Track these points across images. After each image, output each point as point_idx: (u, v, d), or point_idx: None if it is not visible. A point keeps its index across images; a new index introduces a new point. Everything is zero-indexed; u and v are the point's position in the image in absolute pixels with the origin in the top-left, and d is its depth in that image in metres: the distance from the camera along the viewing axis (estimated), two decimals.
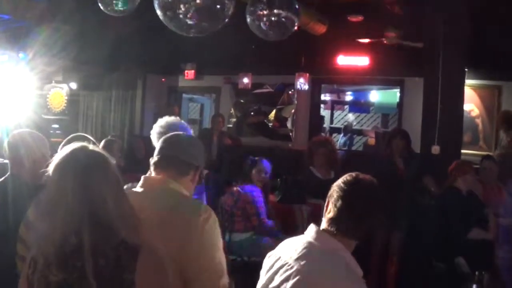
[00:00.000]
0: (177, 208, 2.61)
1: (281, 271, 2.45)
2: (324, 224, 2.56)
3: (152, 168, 2.80)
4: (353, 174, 2.61)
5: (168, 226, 2.51)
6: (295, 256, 2.44)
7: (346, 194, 2.51)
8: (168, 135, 2.94)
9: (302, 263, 2.40)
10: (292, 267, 2.40)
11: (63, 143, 3.72)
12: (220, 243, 2.67)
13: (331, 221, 2.52)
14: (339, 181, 2.59)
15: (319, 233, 2.53)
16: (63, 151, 2.17)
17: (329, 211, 2.55)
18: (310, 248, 2.48)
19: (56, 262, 1.98)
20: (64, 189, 2.03)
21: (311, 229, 2.58)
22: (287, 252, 2.50)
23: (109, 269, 1.97)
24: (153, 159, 2.81)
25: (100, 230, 2.00)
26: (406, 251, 6.70)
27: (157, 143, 2.91)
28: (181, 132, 3.21)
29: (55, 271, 1.98)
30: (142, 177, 2.80)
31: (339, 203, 2.51)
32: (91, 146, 2.22)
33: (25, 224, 3.27)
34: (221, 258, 2.64)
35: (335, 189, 2.57)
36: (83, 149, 2.18)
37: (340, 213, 2.50)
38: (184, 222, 2.55)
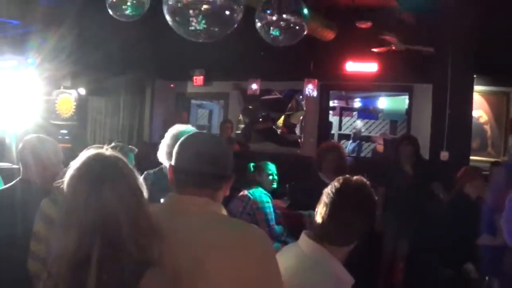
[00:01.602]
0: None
1: None
2: (313, 232, 2.57)
3: (177, 183, 2.25)
4: (341, 179, 2.60)
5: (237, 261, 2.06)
6: (286, 266, 2.40)
7: (331, 202, 2.51)
8: (190, 141, 2.29)
9: (290, 272, 2.38)
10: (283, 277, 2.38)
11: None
12: None
13: (318, 229, 2.54)
14: (328, 188, 2.59)
15: (307, 241, 2.55)
16: (77, 161, 2.07)
17: (317, 219, 2.56)
18: (299, 257, 2.51)
19: (64, 276, 1.94)
20: (76, 207, 1.96)
21: (302, 237, 2.60)
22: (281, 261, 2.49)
23: (110, 285, 1.92)
24: (177, 175, 2.25)
25: (110, 248, 1.93)
26: (414, 256, 6.69)
27: (174, 152, 2.29)
28: (203, 133, 2.69)
29: (62, 285, 1.94)
30: (174, 199, 2.26)
31: (324, 211, 2.52)
32: (107, 153, 2.09)
33: (35, 239, 3.27)
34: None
35: (323, 196, 2.57)
36: (98, 158, 2.06)
37: (326, 221, 2.51)
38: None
